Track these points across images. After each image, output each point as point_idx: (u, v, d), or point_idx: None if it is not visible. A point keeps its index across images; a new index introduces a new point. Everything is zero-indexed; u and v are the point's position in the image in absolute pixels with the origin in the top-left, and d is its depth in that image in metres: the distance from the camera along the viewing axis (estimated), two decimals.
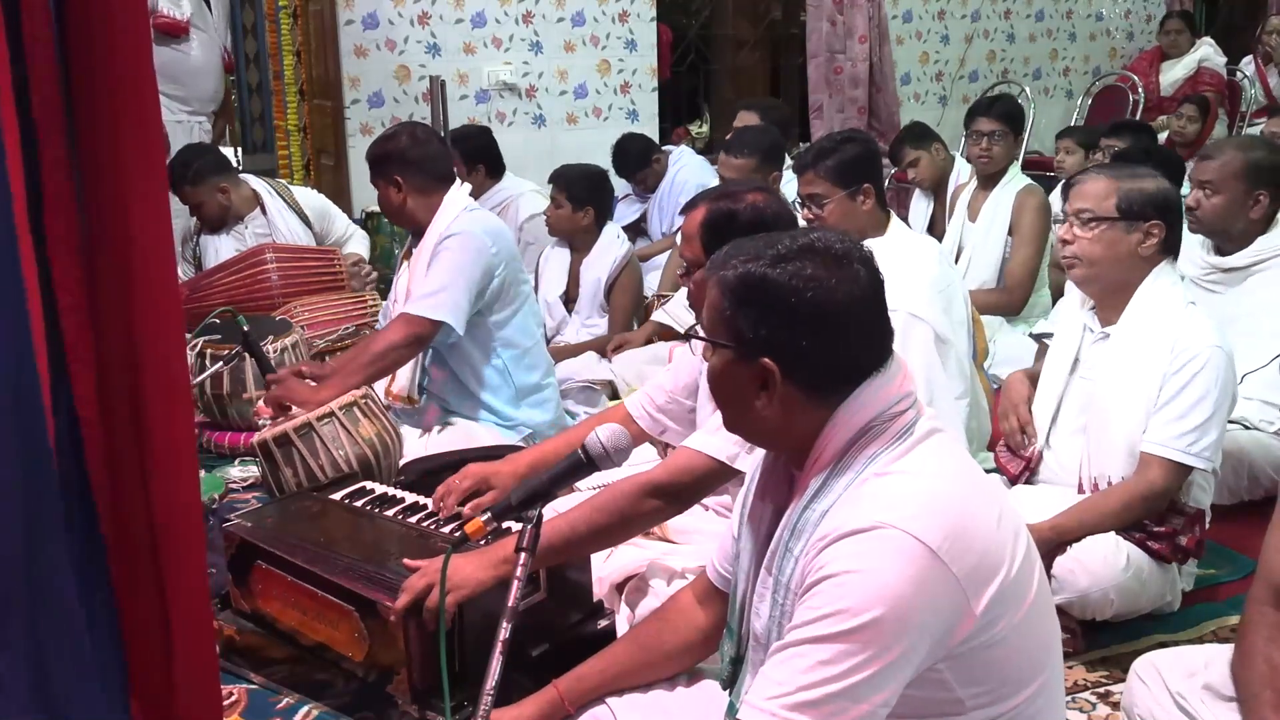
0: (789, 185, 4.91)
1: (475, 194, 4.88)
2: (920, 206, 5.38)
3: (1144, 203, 2.56)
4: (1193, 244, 3.47)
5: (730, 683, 1.67)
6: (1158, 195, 2.58)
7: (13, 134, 0.98)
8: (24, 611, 1.05)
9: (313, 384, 3.22)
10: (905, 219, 4.98)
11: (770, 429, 1.53)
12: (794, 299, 1.46)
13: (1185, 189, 3.65)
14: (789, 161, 4.64)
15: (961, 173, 5.20)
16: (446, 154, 3.62)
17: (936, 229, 5.13)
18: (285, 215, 4.72)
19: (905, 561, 1.36)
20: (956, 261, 4.57)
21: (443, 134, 5.37)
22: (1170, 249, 2.62)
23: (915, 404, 1.53)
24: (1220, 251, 3.41)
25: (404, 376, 3.44)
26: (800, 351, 1.47)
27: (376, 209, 5.21)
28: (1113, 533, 2.53)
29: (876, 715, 1.39)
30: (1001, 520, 1.47)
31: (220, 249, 4.61)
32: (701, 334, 1.57)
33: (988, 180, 4.81)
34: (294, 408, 3.08)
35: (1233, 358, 2.56)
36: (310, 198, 4.89)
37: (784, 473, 1.63)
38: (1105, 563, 2.49)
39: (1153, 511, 2.54)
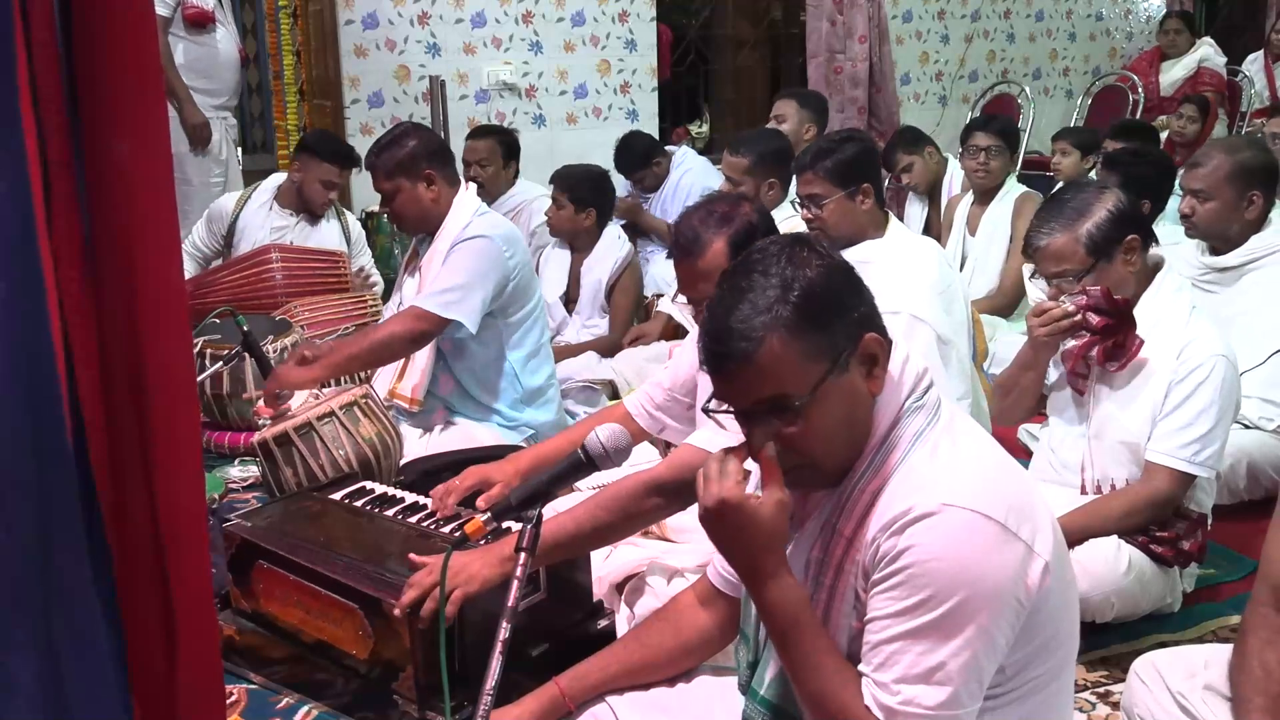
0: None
1: (498, 193, 4.93)
2: (914, 210, 5.39)
3: (1109, 230, 2.53)
4: (1187, 244, 3.47)
5: (748, 687, 1.67)
6: (1116, 214, 2.54)
7: (31, 136, 0.99)
8: (38, 612, 1.06)
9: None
10: (901, 221, 4.99)
11: (869, 422, 1.51)
12: (843, 275, 1.49)
13: (1177, 190, 3.65)
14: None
15: (955, 182, 5.20)
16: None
17: (931, 232, 5.14)
18: (331, 226, 4.74)
19: (977, 539, 1.40)
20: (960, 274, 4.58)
21: (443, 134, 5.38)
22: (1148, 237, 2.62)
23: (933, 381, 1.56)
24: (1215, 251, 3.40)
25: (416, 381, 3.42)
26: (872, 307, 1.51)
27: (375, 209, 5.22)
28: (1114, 536, 2.53)
29: (984, 685, 1.43)
30: (1040, 494, 1.54)
31: (257, 240, 4.61)
32: (806, 397, 1.43)
33: (984, 195, 4.84)
34: (293, 407, 3.08)
35: (1237, 367, 2.56)
36: (356, 226, 4.91)
37: None
38: (1106, 566, 2.49)
39: (1157, 518, 2.54)
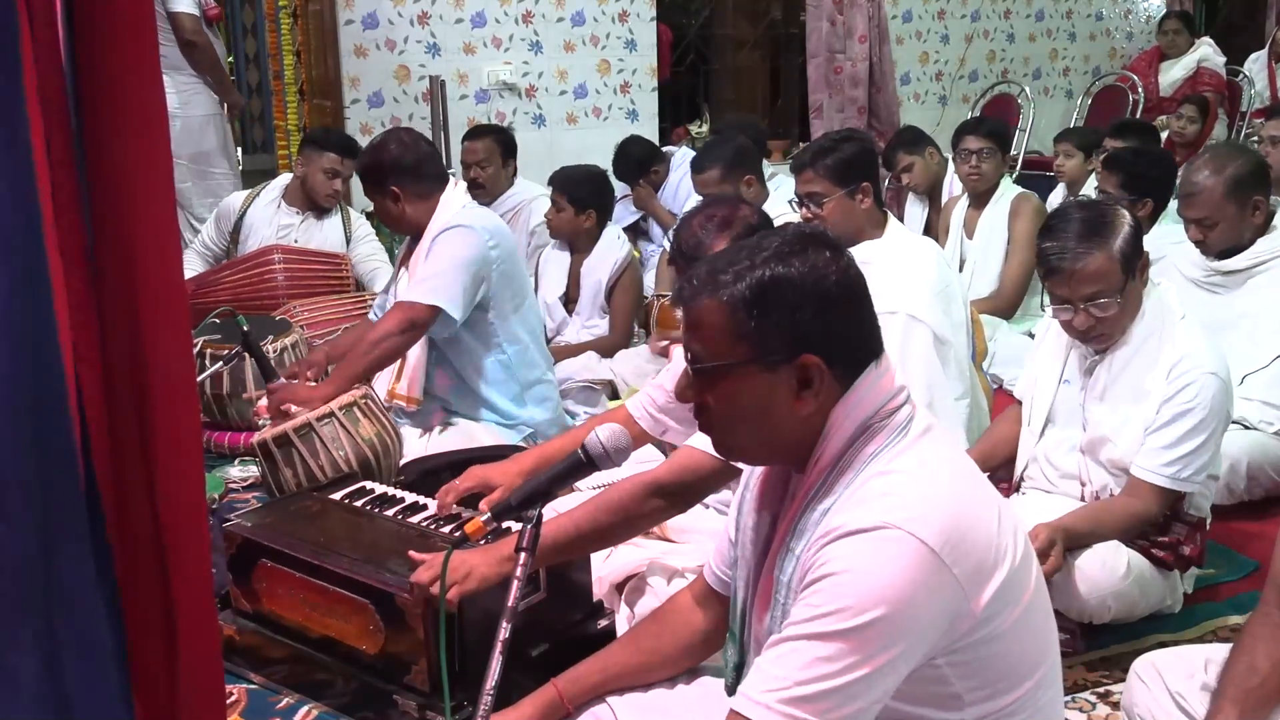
0: (779, 190, 4.92)
1: (499, 192, 4.93)
2: (915, 211, 5.38)
3: (1133, 247, 2.51)
4: (1192, 247, 3.47)
5: (733, 688, 1.67)
6: (1135, 231, 2.53)
7: (39, 135, 0.99)
8: (41, 611, 1.06)
9: (312, 383, 3.23)
10: (900, 221, 4.99)
11: (793, 435, 1.50)
12: (820, 285, 1.46)
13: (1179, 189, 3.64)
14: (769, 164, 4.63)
15: (956, 183, 5.20)
16: (436, 153, 3.61)
17: (931, 233, 5.14)
18: (334, 223, 4.76)
19: (907, 562, 1.37)
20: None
21: (443, 134, 5.38)
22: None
23: (909, 400, 1.54)
24: (1221, 254, 3.40)
25: (412, 379, 3.43)
26: (838, 336, 1.47)
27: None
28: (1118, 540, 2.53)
29: (870, 712, 1.41)
30: (1001, 518, 1.48)
31: (265, 238, 4.64)
32: (711, 365, 1.48)
33: (980, 198, 4.84)
34: (294, 407, 3.08)
35: (1229, 381, 2.55)
36: (358, 218, 4.92)
37: (780, 479, 1.63)
38: (1105, 569, 2.48)
39: (1146, 530, 2.54)
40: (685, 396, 1.55)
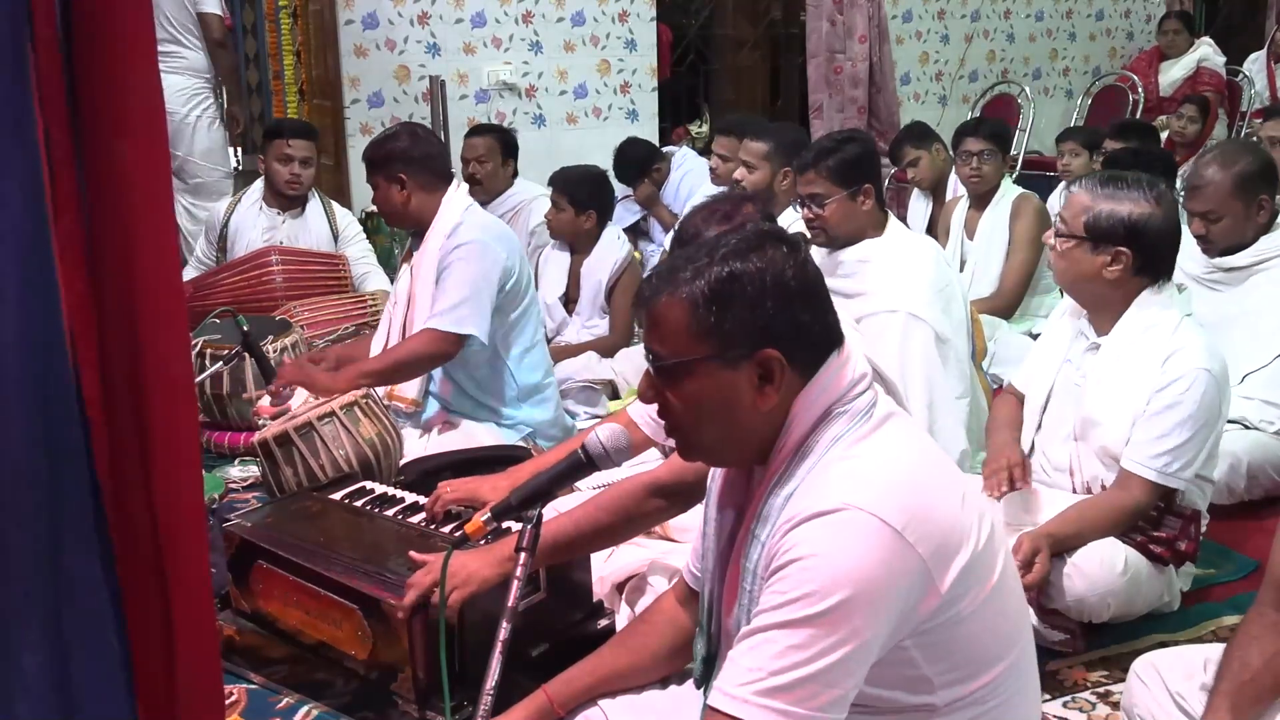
0: None
1: (496, 190, 4.93)
2: (919, 207, 5.38)
3: (1111, 226, 2.50)
4: (1193, 243, 3.47)
5: (703, 681, 1.67)
6: (1128, 220, 2.49)
7: (42, 134, 0.99)
8: (49, 611, 1.06)
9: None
10: (904, 219, 4.98)
11: (757, 430, 1.51)
12: (779, 280, 1.47)
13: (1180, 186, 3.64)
14: None
15: (958, 183, 5.20)
16: (446, 152, 3.63)
17: (935, 230, 5.14)
18: (319, 220, 4.75)
19: (871, 543, 1.38)
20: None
21: (443, 134, 5.38)
22: (1148, 272, 2.55)
23: (871, 386, 1.54)
24: (1223, 251, 3.39)
25: (416, 383, 3.44)
26: (798, 330, 1.48)
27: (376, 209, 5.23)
28: (1111, 536, 2.53)
29: (847, 697, 1.41)
30: (965, 500, 1.49)
31: (252, 241, 4.65)
32: (672, 362, 1.48)
33: (980, 199, 4.83)
34: (293, 407, 3.08)
35: (1224, 379, 2.54)
36: (345, 216, 4.92)
37: (743, 471, 1.63)
38: (1103, 567, 2.48)
39: (1134, 525, 2.54)
40: (648, 397, 1.54)
